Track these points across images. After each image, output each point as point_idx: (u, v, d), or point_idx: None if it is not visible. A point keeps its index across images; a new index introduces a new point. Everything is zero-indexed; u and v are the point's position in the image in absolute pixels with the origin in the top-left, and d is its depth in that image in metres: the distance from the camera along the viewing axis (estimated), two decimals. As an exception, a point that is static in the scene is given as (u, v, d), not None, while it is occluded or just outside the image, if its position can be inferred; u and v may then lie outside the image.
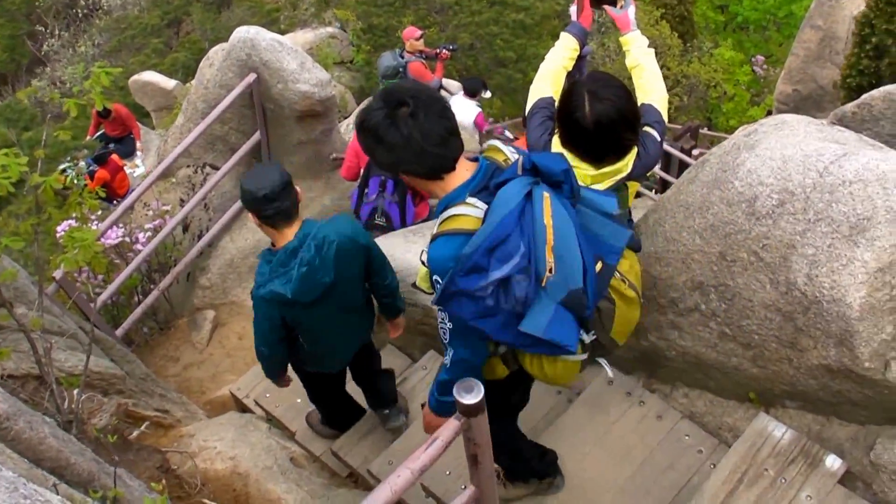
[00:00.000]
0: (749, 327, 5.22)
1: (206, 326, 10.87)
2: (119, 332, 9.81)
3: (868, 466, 5.24)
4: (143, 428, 7.63)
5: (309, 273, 5.74)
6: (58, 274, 8.54)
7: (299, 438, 8.07)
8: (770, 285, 4.98)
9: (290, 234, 5.79)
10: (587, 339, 4.33)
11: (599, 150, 5.06)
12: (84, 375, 6.56)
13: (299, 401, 8.00)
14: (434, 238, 4.15)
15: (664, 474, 5.93)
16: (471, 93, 17.20)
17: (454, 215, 4.10)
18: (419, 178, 4.24)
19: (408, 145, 3.99)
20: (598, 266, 4.26)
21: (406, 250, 8.04)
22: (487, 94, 18.40)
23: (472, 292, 3.95)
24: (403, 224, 9.67)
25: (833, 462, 5.36)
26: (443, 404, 4.69)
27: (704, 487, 5.48)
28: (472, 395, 3.56)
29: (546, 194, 3.97)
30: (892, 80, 7.97)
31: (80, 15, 39.38)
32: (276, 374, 6.74)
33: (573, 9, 6.09)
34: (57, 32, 38.62)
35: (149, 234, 10.65)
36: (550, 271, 3.95)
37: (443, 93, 17.68)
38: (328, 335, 6.33)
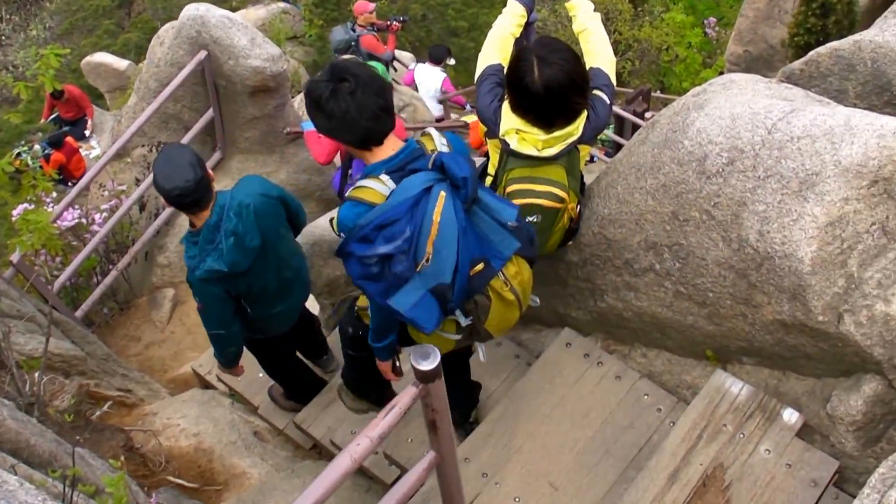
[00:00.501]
0: (703, 285, 5.26)
1: (166, 305, 10.85)
2: (79, 313, 9.77)
3: (825, 419, 5.29)
4: (105, 408, 7.63)
5: (237, 242, 5.85)
6: (14, 258, 8.51)
7: (262, 412, 8.08)
8: (723, 243, 5.02)
9: (205, 212, 5.86)
10: (463, 322, 4.79)
11: (549, 115, 5.10)
12: (44, 358, 6.54)
13: (261, 375, 7.97)
14: (344, 200, 4.72)
15: (624, 434, 5.96)
16: (436, 60, 17.48)
17: (364, 186, 4.65)
18: (351, 146, 4.80)
19: (344, 117, 4.54)
20: (481, 266, 4.64)
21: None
22: (452, 62, 18.58)
23: (360, 257, 4.50)
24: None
25: (790, 416, 5.42)
26: (379, 350, 5.36)
27: (664, 445, 5.52)
28: (428, 361, 3.59)
29: (443, 193, 4.43)
30: (839, 36, 8.01)
31: (30, -1, 39.05)
32: (234, 358, 6.78)
33: None
34: (7, 16, 38.31)
35: (105, 214, 10.61)
36: (427, 260, 4.44)
37: (396, 64, 17.69)
38: (271, 298, 6.42)
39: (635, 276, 5.70)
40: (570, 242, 5.97)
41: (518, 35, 5.81)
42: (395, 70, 18.04)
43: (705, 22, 28.06)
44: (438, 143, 4.83)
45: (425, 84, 17.56)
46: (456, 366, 6.12)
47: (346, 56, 15.76)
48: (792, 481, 5.27)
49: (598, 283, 6.03)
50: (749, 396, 5.53)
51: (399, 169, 4.66)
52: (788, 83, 5.88)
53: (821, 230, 4.57)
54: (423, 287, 4.47)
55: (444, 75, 17.28)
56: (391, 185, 4.58)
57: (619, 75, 27.51)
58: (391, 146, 4.71)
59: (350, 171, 9.47)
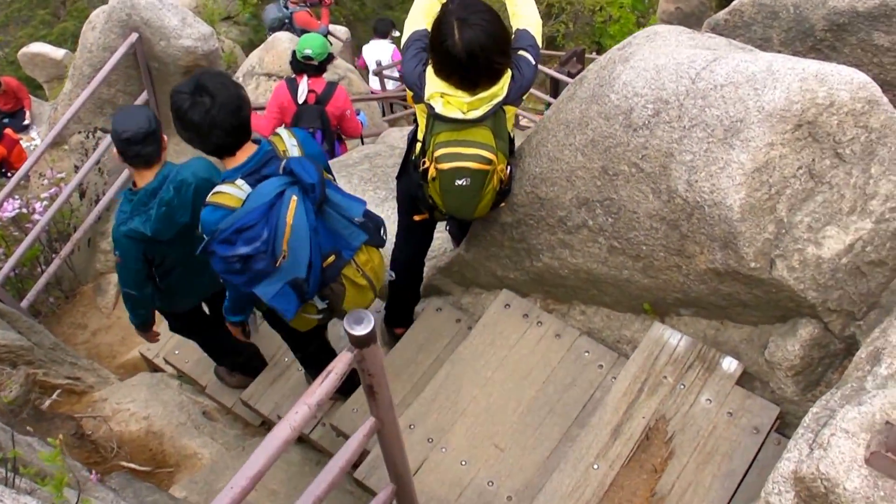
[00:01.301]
0: (637, 239, 5.28)
1: (111, 290, 10.81)
2: (24, 303, 9.71)
3: (764, 365, 5.33)
4: (54, 396, 7.61)
5: (167, 213, 6.05)
6: (-46, 251, 8.47)
7: (210, 392, 8.07)
8: (653, 195, 5.03)
9: (150, 175, 6.06)
10: (320, 306, 5.47)
11: (472, 77, 5.09)
12: (-12, 349, 6.53)
13: (206, 355, 7.99)
14: (205, 204, 5.15)
15: (567, 391, 5.99)
16: (382, 34, 17.49)
17: (222, 192, 5.09)
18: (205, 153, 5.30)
19: (198, 129, 5.00)
20: (332, 258, 5.25)
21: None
22: (397, 34, 18.57)
23: (223, 257, 4.98)
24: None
25: (730, 364, 5.46)
26: (233, 323, 6.17)
27: (606, 400, 5.55)
28: (361, 326, 3.59)
29: (295, 198, 4.90)
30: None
31: (-40, -8, 38.74)
32: (144, 321, 6.87)
33: None
34: (-60, 11, 37.96)
35: (45, 203, 10.56)
36: (284, 257, 4.96)
37: (331, 39, 17.65)
38: (184, 273, 6.58)
39: (569, 233, 5.71)
40: (503, 204, 5.96)
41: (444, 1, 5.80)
42: (331, 44, 18.01)
43: (638, -21, 28.10)
44: (289, 144, 5.31)
45: (379, 59, 17.57)
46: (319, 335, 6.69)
47: (280, 33, 15.75)
48: (734, 429, 5.31)
49: (532, 242, 6.04)
50: (688, 347, 5.57)
51: (254, 172, 5.11)
52: (714, 34, 5.91)
53: (748, 177, 4.59)
54: (282, 280, 5.04)
55: (394, 47, 17.30)
56: (247, 188, 5.05)
57: (553, 39, 27.71)
58: (246, 152, 5.17)
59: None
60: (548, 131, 5.68)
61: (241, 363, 7.81)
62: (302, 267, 5.01)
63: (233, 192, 5.04)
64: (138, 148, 5.90)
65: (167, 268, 6.49)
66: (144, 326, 6.92)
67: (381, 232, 5.55)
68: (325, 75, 10.04)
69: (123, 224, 6.07)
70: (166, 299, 6.83)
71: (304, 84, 9.72)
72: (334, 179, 5.64)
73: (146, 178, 6.05)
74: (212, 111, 4.92)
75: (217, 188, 5.11)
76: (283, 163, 5.07)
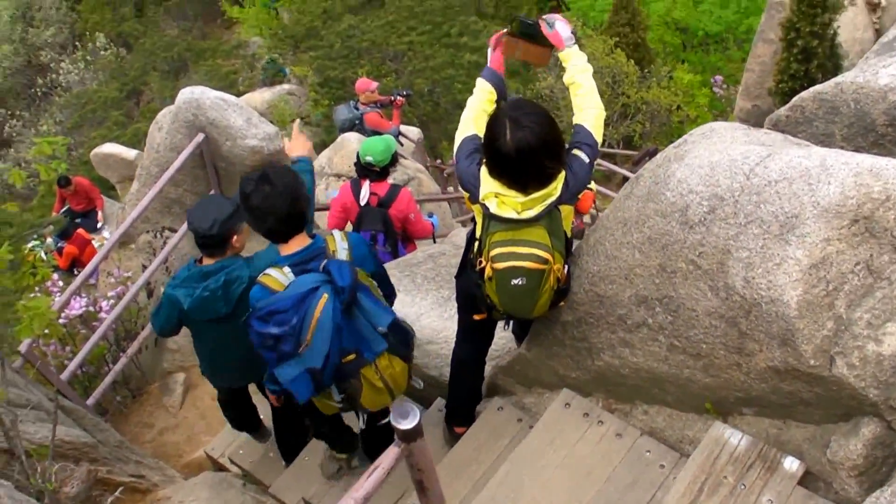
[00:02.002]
0: (696, 337, 5.23)
1: (178, 390, 10.86)
2: (90, 401, 9.75)
3: (826, 465, 5.23)
4: (117, 493, 7.61)
5: (208, 299, 6.62)
6: (23, 347, 8.53)
7: (273, 491, 8.05)
8: (711, 292, 5.00)
9: (211, 260, 6.66)
10: (336, 397, 5.83)
11: (522, 177, 5.14)
12: (52, 445, 6.56)
13: (272, 454, 8.00)
14: (255, 281, 5.68)
15: (628, 491, 5.91)
16: None
17: (270, 275, 5.56)
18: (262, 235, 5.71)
19: (256, 213, 5.47)
20: (352, 356, 5.61)
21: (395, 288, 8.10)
22: None
23: (258, 332, 5.42)
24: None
25: (791, 464, 5.36)
26: (270, 390, 6.60)
27: (666, 500, 5.48)
28: (407, 420, 3.58)
29: (326, 295, 5.33)
30: (824, 80, 8.05)
31: (39, 94, 39.42)
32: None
33: (490, 50, 6.17)
34: (18, 112, 38.63)
35: (112, 302, 10.64)
36: (306, 345, 5.36)
37: (402, 139, 17.75)
38: (215, 353, 7.04)
39: (629, 331, 5.68)
40: (563, 303, 5.95)
41: (491, 111, 5.85)
42: (402, 145, 18.10)
43: (713, 80, 28.11)
44: (340, 246, 5.81)
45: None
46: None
47: (350, 134, 15.86)
48: (796, 530, 5.23)
49: (593, 341, 6.01)
50: (748, 447, 5.49)
51: (301, 263, 5.59)
52: (776, 130, 5.90)
53: (804, 273, 4.56)
54: (302, 366, 5.44)
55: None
56: (291, 276, 5.52)
57: (630, 138, 27.70)
58: (298, 243, 5.65)
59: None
60: (606, 230, 5.67)
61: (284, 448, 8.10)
62: (319, 358, 5.38)
63: (278, 277, 5.52)
64: (203, 241, 6.56)
65: (199, 343, 7.06)
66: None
67: (408, 344, 5.93)
68: (395, 173, 10.08)
69: (171, 286, 6.76)
70: (203, 368, 7.38)
71: (366, 187, 9.74)
72: (374, 287, 5.88)
73: (207, 261, 6.62)
74: (269, 198, 5.40)
75: (267, 270, 5.61)
76: (324, 262, 5.50)
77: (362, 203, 9.74)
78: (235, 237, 6.64)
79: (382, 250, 9.73)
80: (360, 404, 5.93)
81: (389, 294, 6.30)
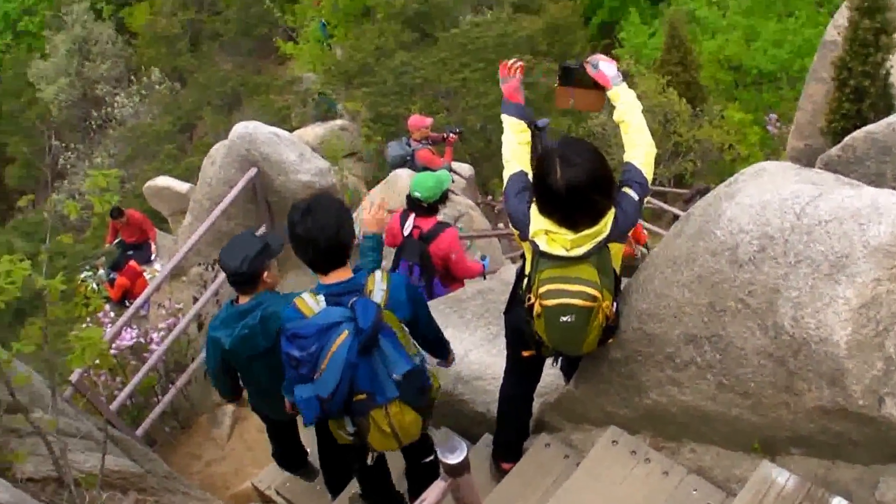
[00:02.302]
0: (745, 375, 5.22)
1: (227, 422, 10.91)
2: (139, 431, 9.83)
3: (875, 506, 5.23)
4: (164, 523, 7.67)
5: (248, 336, 6.79)
6: (73, 377, 8.60)
7: (318, 524, 8.10)
8: (759, 331, 4.99)
9: (245, 298, 6.87)
10: (349, 429, 6.01)
11: (572, 215, 5.17)
12: (100, 474, 6.61)
13: (319, 487, 8.03)
14: (290, 303, 5.88)
15: (674, 530, 5.91)
16: None
17: (304, 300, 5.79)
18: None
19: (299, 241, 5.68)
20: (363, 396, 5.74)
21: (443, 324, 8.13)
22: None
23: (284, 350, 5.74)
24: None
25: (839, 504, 5.35)
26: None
27: (712, 539, 5.47)
28: (455, 455, 3.59)
29: (346, 332, 5.50)
30: (876, 120, 8.04)
31: (94, 127, 39.76)
32: (225, 395, 7.61)
33: (502, 86, 6.20)
34: (72, 145, 38.97)
35: (163, 333, 10.72)
36: (319, 374, 5.58)
37: (453, 176, 17.77)
38: (261, 386, 7.17)
39: (678, 370, 5.67)
40: (612, 340, 5.95)
41: (529, 143, 5.89)
42: (453, 181, 18.12)
43: (767, 118, 27.99)
44: (377, 287, 5.91)
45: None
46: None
47: (402, 170, 15.91)
48: (843, 572, 5.20)
49: (641, 379, 6.00)
50: (796, 487, 5.45)
51: (335, 295, 5.73)
52: (827, 170, 5.90)
53: (854, 313, 4.55)
54: (313, 392, 5.65)
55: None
56: (322, 305, 5.73)
57: (681, 177, 27.58)
58: (338, 276, 5.79)
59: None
60: (655, 267, 5.68)
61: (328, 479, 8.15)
62: (328, 389, 5.58)
63: (310, 304, 5.75)
64: (233, 279, 6.85)
65: (245, 378, 7.21)
66: (230, 399, 7.75)
67: (424, 395, 6.03)
68: (446, 209, 10.12)
69: (212, 328, 6.98)
70: (251, 401, 7.64)
71: (410, 220, 9.81)
72: (403, 333, 5.94)
73: (243, 299, 6.84)
74: (313, 230, 5.59)
75: (303, 294, 5.85)
76: (353, 300, 5.65)
77: (405, 233, 9.83)
78: (266, 273, 6.87)
79: (416, 283, 9.86)
80: (368, 443, 6.08)
81: (433, 340, 6.70)
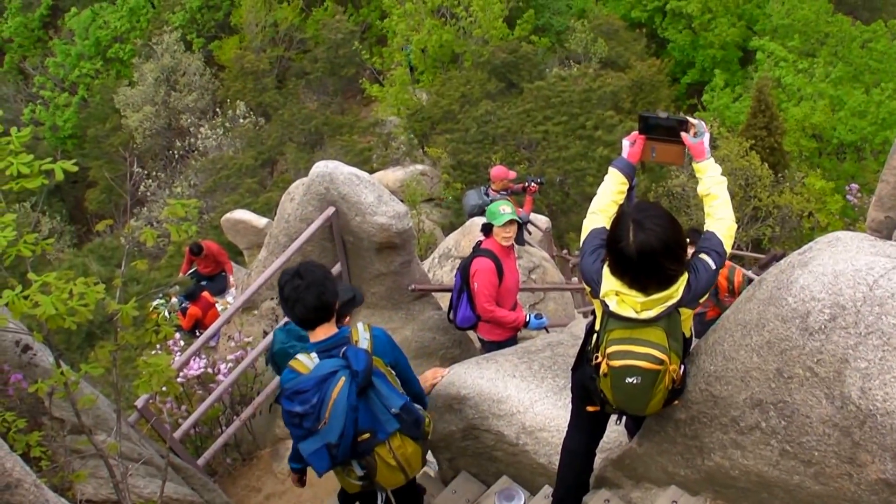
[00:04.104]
0: (808, 444, 5.19)
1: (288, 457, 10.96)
2: (200, 461, 9.87)
3: (934, 584, 5.17)
4: (221, 554, 7.71)
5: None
6: (139, 402, 8.67)
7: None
8: (826, 400, 4.97)
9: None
10: (359, 472, 6.46)
11: (643, 279, 5.23)
12: (160, 500, 6.68)
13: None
14: (287, 365, 6.39)
15: None
16: None
17: (298, 360, 6.31)
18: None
19: (287, 301, 6.34)
20: (367, 436, 6.25)
21: (479, 376, 8.14)
22: None
23: (285, 409, 6.18)
24: (455, 317, 10.52)
25: (897, 579, 5.29)
26: (293, 468, 7.47)
27: None
28: (512, 503, 3.60)
29: (343, 378, 6.06)
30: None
31: (176, 156, 40.16)
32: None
33: (626, 142, 6.18)
34: (154, 173, 39.36)
35: (230, 365, 10.79)
36: (324, 423, 6.05)
37: (530, 227, 17.80)
38: None
39: (742, 434, 5.65)
40: (677, 402, 5.93)
41: (620, 202, 5.91)
42: (530, 233, 18.14)
43: (848, 188, 27.88)
44: (362, 337, 6.51)
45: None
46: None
47: (479, 218, 15.98)
48: None
49: (705, 440, 5.98)
50: (854, 559, 5.42)
51: (326, 350, 6.30)
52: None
53: (922, 388, 4.52)
54: (321, 441, 6.11)
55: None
56: (316, 361, 6.25)
57: (758, 242, 27.46)
58: (324, 331, 6.39)
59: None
60: (725, 330, 5.66)
61: None
62: (335, 434, 6.05)
63: (305, 362, 6.27)
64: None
65: None
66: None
67: (419, 427, 6.56)
68: (521, 260, 10.25)
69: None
70: None
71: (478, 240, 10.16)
72: (391, 375, 6.59)
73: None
74: (299, 290, 6.26)
75: (297, 356, 6.37)
76: (344, 349, 6.26)
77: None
78: (347, 318, 7.62)
79: (455, 292, 10.51)
80: (377, 482, 6.55)
81: (412, 382, 7.03)
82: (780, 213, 28.43)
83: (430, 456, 8.63)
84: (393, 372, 6.62)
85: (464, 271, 10.13)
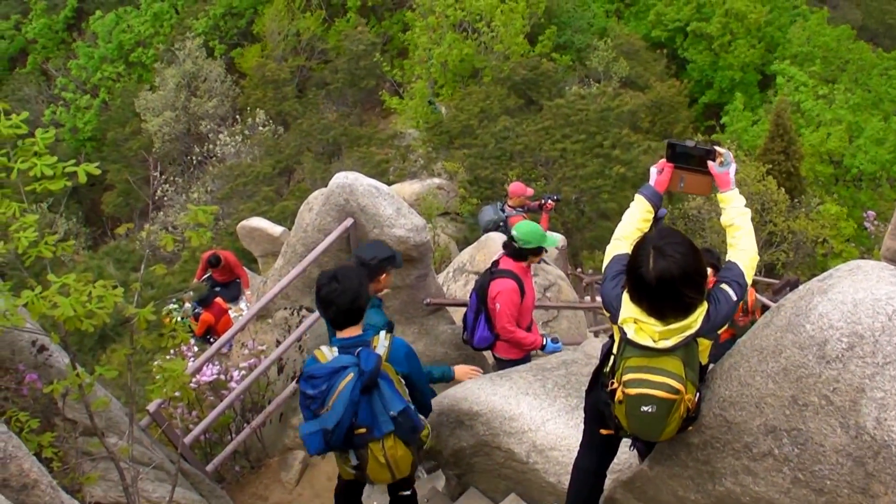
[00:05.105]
0: (821, 472, 5.17)
1: (296, 466, 10.96)
2: (209, 467, 9.88)
3: None
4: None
5: None
6: (151, 407, 8.68)
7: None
8: (841, 429, 4.95)
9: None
10: (353, 461, 7.01)
11: (661, 306, 5.22)
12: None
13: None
14: (311, 353, 7.16)
15: None
16: None
17: (321, 350, 6.98)
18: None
19: (323, 302, 6.98)
20: (364, 430, 6.79)
21: (492, 392, 8.14)
22: None
23: (301, 389, 6.89)
24: (472, 338, 10.51)
25: None
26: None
27: None
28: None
29: (351, 375, 6.64)
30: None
31: (194, 162, 40.26)
32: None
33: (653, 170, 6.17)
34: (172, 178, 39.45)
35: (243, 373, 10.79)
36: (326, 409, 6.68)
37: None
38: None
39: (754, 460, 5.63)
40: (691, 428, 5.92)
41: (645, 230, 5.91)
42: (546, 251, 18.13)
43: (866, 215, 27.88)
44: (381, 344, 7.05)
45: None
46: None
47: (494, 234, 15.97)
48: None
49: (717, 465, 5.96)
50: (864, 590, 5.40)
51: (346, 347, 6.90)
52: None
53: (939, 420, 4.51)
54: (319, 426, 6.70)
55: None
56: (336, 354, 6.89)
57: (772, 266, 27.42)
58: (350, 332, 6.99)
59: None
60: (741, 356, 5.64)
61: None
62: (332, 421, 6.60)
63: (326, 353, 6.93)
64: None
65: None
66: None
67: (415, 433, 7.04)
68: (537, 278, 10.22)
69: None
70: None
71: (499, 255, 10.25)
72: (399, 381, 7.10)
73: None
74: (335, 293, 6.88)
75: (321, 347, 7.04)
76: (359, 350, 6.83)
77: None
78: (385, 275, 8.56)
79: (470, 312, 10.48)
80: (367, 474, 7.10)
81: (423, 393, 7.64)
82: (795, 238, 28.43)
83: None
84: (403, 381, 7.15)
85: (481, 292, 10.09)
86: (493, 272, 10.07)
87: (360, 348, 6.88)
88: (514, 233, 9.96)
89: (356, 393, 6.66)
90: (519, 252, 10.02)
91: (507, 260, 10.09)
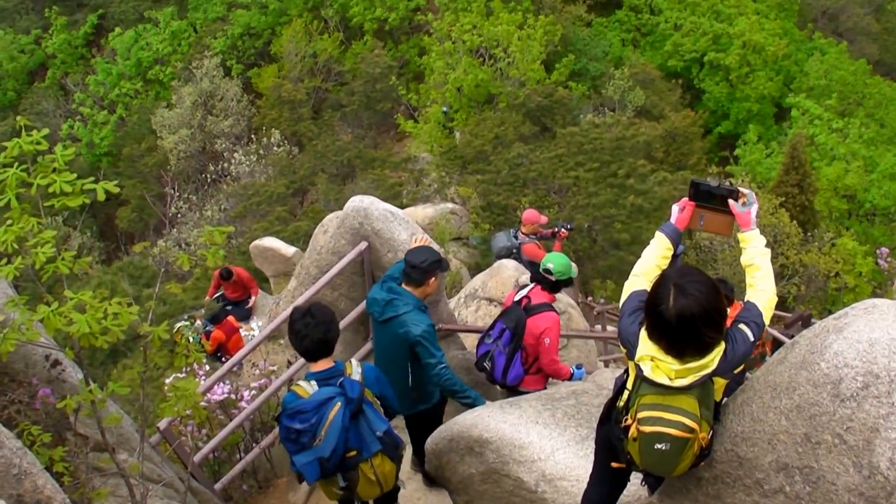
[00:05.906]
0: (833, 511, 5.18)
1: (304, 487, 10.93)
2: (218, 486, 9.89)
3: None
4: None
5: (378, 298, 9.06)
6: (162, 424, 8.69)
7: None
8: (853, 468, 4.94)
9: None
10: (341, 483, 7.44)
11: (680, 344, 5.20)
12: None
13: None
14: (289, 390, 7.50)
15: None
16: None
17: (300, 385, 7.30)
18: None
19: (295, 336, 7.31)
20: (354, 453, 7.26)
21: (502, 420, 8.12)
22: None
23: (285, 426, 7.13)
24: (503, 377, 10.12)
25: None
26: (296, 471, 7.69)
27: None
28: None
29: (339, 404, 7.05)
30: None
31: (208, 180, 40.36)
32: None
33: (675, 208, 6.17)
34: (186, 196, 39.55)
35: (253, 392, 10.80)
36: (319, 440, 7.02)
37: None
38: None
39: (765, 496, 5.61)
40: (703, 464, 5.90)
41: (664, 267, 5.91)
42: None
43: (878, 252, 27.85)
44: (355, 370, 7.48)
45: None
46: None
47: (507, 261, 15.96)
48: None
49: (727, 501, 5.93)
50: None
51: (323, 379, 7.25)
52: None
53: (953, 463, 4.50)
54: (314, 455, 7.09)
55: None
56: (315, 387, 7.22)
57: (783, 300, 27.38)
58: (323, 364, 7.34)
59: (490, 332, 10.31)
60: (754, 391, 5.64)
61: None
62: (328, 450, 7.02)
63: (305, 387, 7.24)
64: (410, 270, 9.00)
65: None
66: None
67: (398, 449, 7.62)
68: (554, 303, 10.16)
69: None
70: None
71: (526, 290, 10.12)
72: (377, 404, 7.61)
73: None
74: (308, 327, 7.22)
75: (298, 382, 7.39)
76: (341, 380, 7.23)
77: (515, 300, 10.13)
78: (433, 279, 9.06)
79: (500, 349, 10.03)
80: (357, 493, 7.58)
81: (390, 406, 7.97)
82: (807, 272, 28.38)
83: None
84: (378, 402, 7.64)
85: (518, 328, 9.98)
86: (530, 308, 9.99)
87: (338, 378, 7.28)
88: (549, 266, 9.86)
89: (346, 420, 7.10)
90: (555, 285, 9.99)
91: (540, 293, 9.99)
